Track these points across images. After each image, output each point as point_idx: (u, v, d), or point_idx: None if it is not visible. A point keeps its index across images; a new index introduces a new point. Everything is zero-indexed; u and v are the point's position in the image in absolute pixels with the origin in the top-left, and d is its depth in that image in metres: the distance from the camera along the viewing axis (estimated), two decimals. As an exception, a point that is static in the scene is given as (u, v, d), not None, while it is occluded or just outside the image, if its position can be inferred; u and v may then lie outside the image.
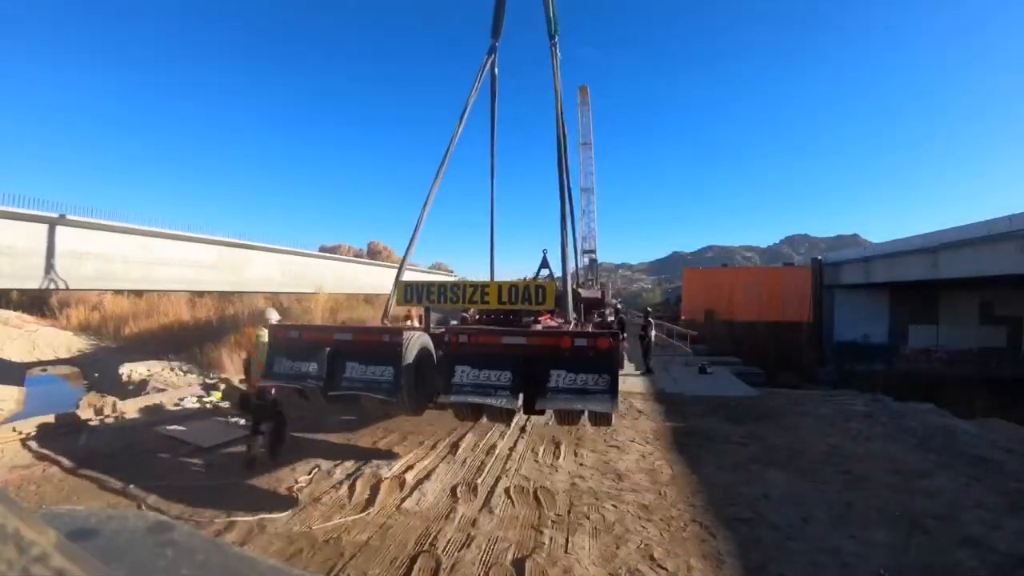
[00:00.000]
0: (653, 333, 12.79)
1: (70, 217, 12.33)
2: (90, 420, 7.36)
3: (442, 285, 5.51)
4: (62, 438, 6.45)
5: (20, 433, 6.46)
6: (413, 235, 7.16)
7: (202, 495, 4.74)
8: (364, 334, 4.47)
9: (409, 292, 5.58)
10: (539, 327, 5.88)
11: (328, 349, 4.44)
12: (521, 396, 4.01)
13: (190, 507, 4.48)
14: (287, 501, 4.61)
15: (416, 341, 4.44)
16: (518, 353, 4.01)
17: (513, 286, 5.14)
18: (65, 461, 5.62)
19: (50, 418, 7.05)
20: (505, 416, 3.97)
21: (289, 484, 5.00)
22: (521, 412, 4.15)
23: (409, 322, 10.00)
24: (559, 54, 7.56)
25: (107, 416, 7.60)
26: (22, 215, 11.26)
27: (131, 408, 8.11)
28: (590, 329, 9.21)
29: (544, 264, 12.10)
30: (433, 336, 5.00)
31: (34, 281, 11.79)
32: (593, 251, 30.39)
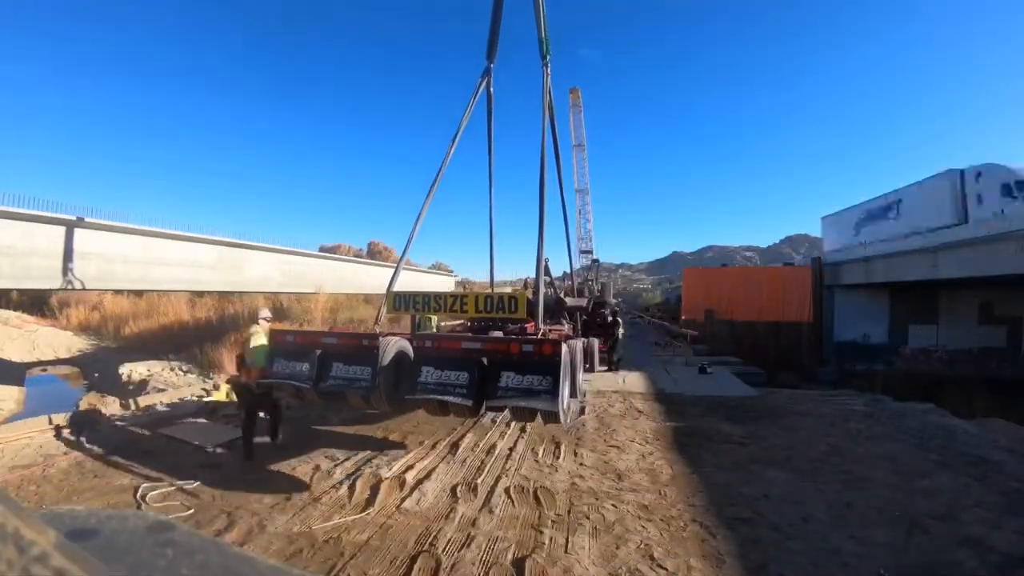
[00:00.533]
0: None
1: (71, 217, 12.33)
2: (114, 415, 7.49)
3: (427, 295, 6.12)
4: (64, 438, 6.46)
5: (54, 424, 6.78)
6: (405, 247, 7.50)
7: (202, 495, 4.75)
8: (347, 339, 5.01)
9: (399, 301, 6.14)
10: (496, 334, 6.38)
11: (319, 351, 4.97)
12: (477, 394, 4.43)
13: (190, 506, 4.49)
14: (287, 501, 4.61)
15: (393, 345, 4.91)
16: (475, 356, 4.46)
17: (488, 296, 5.72)
18: (63, 461, 5.63)
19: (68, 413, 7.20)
20: (465, 411, 4.39)
21: (289, 484, 5.01)
22: (484, 407, 4.56)
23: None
24: (550, 74, 7.84)
25: (136, 411, 7.75)
26: (23, 215, 11.26)
27: (131, 408, 8.11)
28: (589, 334, 9.38)
29: (545, 272, 12.15)
30: (418, 343, 5.51)
31: (33, 281, 11.80)
32: (590, 251, 30.42)
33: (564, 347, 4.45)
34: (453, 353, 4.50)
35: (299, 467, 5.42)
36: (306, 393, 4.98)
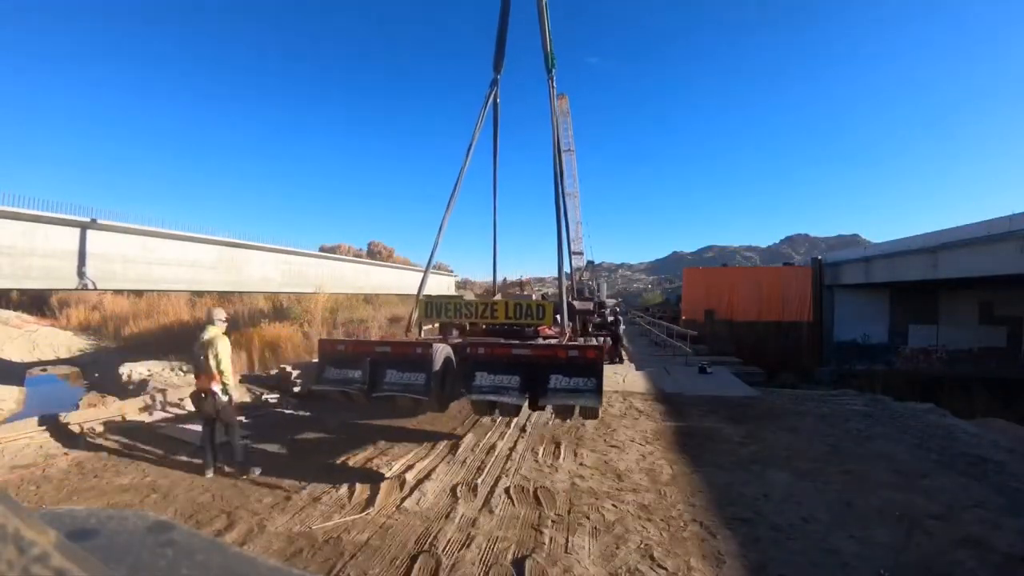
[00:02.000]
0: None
1: (72, 217, 12.33)
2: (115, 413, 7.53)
3: (457, 303, 6.35)
4: (64, 437, 6.45)
5: (85, 425, 6.87)
6: (431, 256, 7.87)
7: (202, 495, 4.75)
8: (400, 347, 5.30)
9: (430, 308, 6.39)
10: (540, 339, 6.73)
11: (369, 359, 5.25)
12: (527, 394, 4.83)
13: (190, 507, 4.50)
14: (287, 501, 4.62)
15: (442, 352, 5.25)
16: (524, 361, 4.90)
17: (518, 304, 6.04)
18: (63, 461, 5.63)
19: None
20: (513, 411, 4.79)
21: (290, 484, 5.01)
22: (526, 407, 4.93)
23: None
24: (556, 86, 7.99)
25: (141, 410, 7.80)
26: (23, 215, 11.26)
27: (130, 408, 8.11)
28: (588, 333, 9.52)
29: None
30: (453, 346, 5.87)
31: (33, 281, 11.80)
32: (581, 252, 31.52)
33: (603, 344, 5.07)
34: (504, 359, 4.93)
35: (299, 468, 5.42)
36: (358, 397, 5.22)
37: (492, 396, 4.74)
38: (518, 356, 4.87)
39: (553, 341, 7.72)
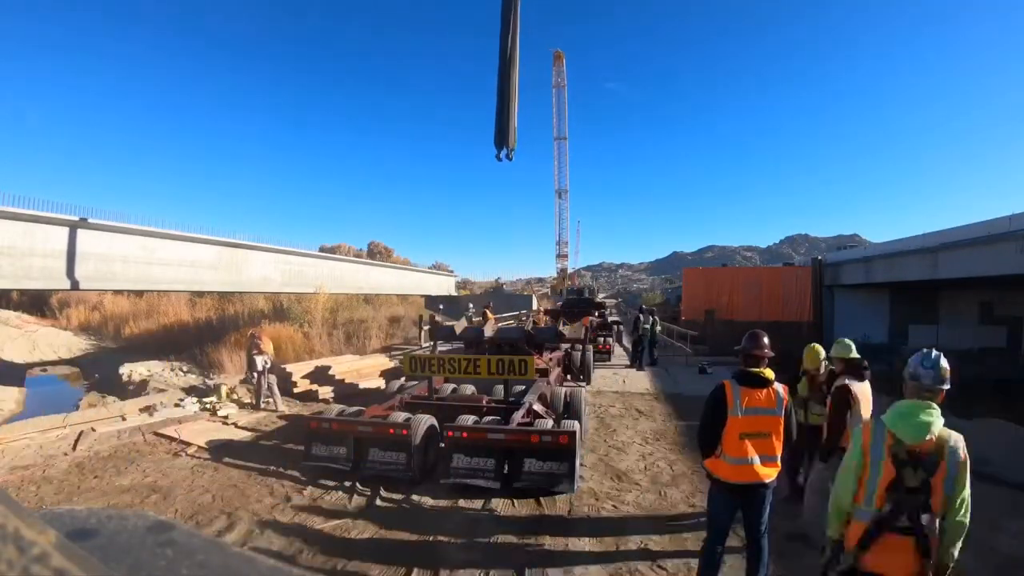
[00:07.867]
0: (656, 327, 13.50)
1: (72, 217, 12.34)
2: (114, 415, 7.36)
3: (441, 359, 6.56)
4: (64, 438, 6.45)
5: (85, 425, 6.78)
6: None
7: (202, 496, 4.75)
8: (381, 427, 5.35)
9: (414, 364, 6.49)
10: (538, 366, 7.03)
11: (353, 437, 5.34)
12: (504, 477, 4.90)
13: (190, 507, 4.50)
14: (287, 501, 4.61)
15: (423, 424, 5.30)
16: (499, 446, 4.99)
17: (500, 360, 6.24)
18: (63, 461, 5.63)
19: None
20: (490, 492, 4.80)
21: (290, 484, 5.01)
22: (512, 486, 4.91)
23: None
24: None
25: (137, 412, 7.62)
26: (23, 215, 11.27)
27: (131, 408, 8.11)
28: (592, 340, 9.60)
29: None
30: (438, 408, 6.10)
31: (33, 281, 11.80)
32: (566, 255, 29.79)
33: (577, 427, 5.19)
34: (480, 442, 5.01)
35: (300, 468, 5.43)
36: (347, 476, 5.23)
37: (468, 479, 4.85)
38: (493, 440, 4.99)
39: (545, 366, 8.18)
